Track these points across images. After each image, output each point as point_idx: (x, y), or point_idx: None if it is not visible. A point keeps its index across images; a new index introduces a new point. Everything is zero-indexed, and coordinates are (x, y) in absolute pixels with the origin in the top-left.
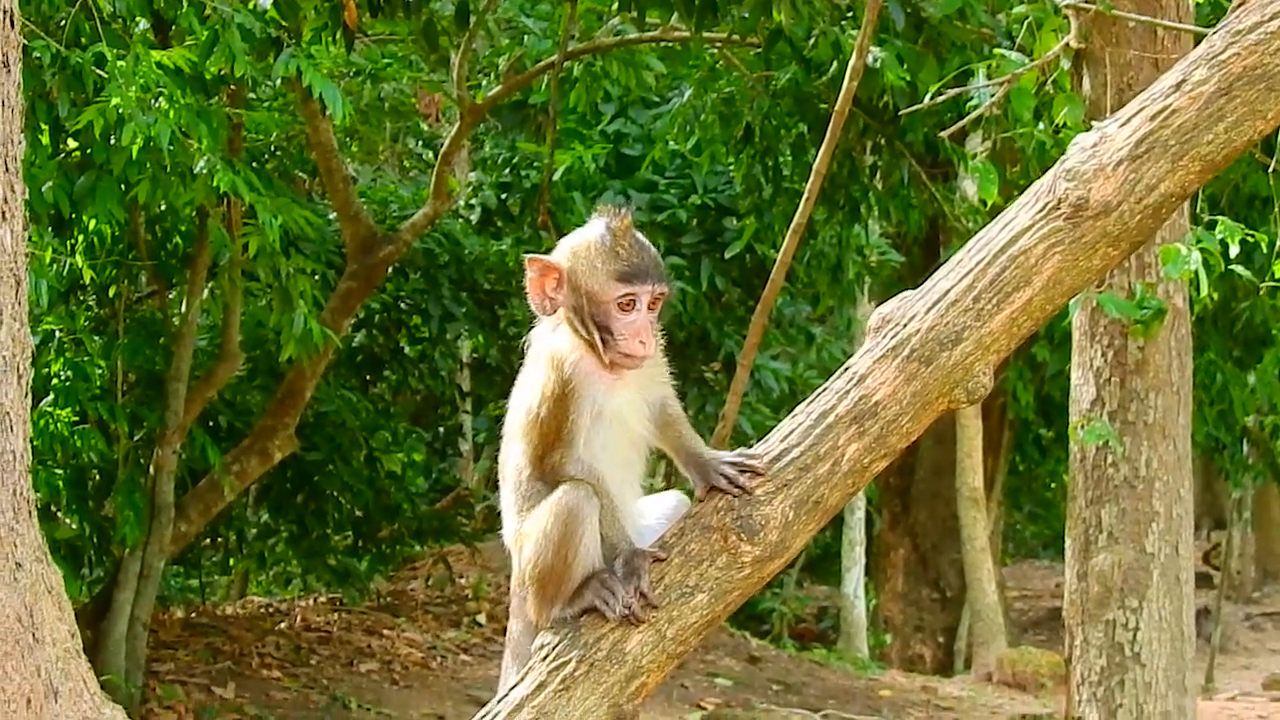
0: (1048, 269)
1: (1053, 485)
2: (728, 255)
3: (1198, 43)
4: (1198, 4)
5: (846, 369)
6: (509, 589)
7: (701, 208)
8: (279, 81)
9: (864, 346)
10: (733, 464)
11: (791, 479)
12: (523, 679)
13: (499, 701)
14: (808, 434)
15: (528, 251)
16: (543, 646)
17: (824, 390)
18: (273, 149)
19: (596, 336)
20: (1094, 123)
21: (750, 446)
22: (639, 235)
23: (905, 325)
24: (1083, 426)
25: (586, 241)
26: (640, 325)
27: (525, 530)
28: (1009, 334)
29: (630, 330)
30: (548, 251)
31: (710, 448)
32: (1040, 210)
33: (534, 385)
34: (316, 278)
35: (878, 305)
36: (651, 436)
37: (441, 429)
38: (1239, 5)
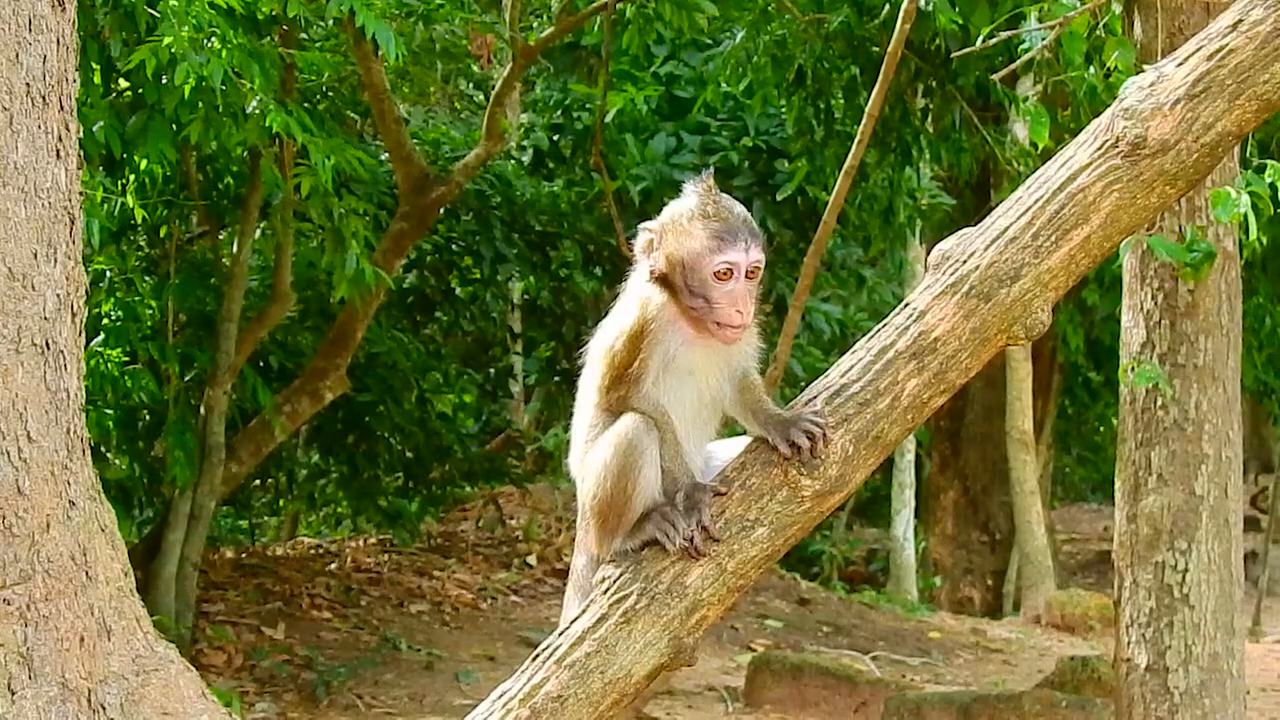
0: (1106, 206)
1: (1101, 429)
2: (779, 197)
3: None
4: None
5: (906, 305)
6: (559, 530)
7: (753, 150)
8: (331, 22)
9: (923, 282)
10: (813, 425)
11: (851, 414)
12: (584, 611)
13: (560, 634)
14: (867, 369)
15: (580, 192)
16: (604, 580)
17: (884, 326)
18: (325, 90)
19: (696, 303)
20: (1145, 66)
21: (802, 390)
22: (732, 201)
23: (964, 262)
24: (1133, 369)
25: (679, 209)
26: (739, 294)
27: (588, 461)
28: (1067, 271)
29: (728, 299)
30: (599, 194)
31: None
32: (1098, 148)
33: (617, 320)
34: (368, 218)
35: (928, 248)
36: (725, 398)
37: (492, 371)
38: None
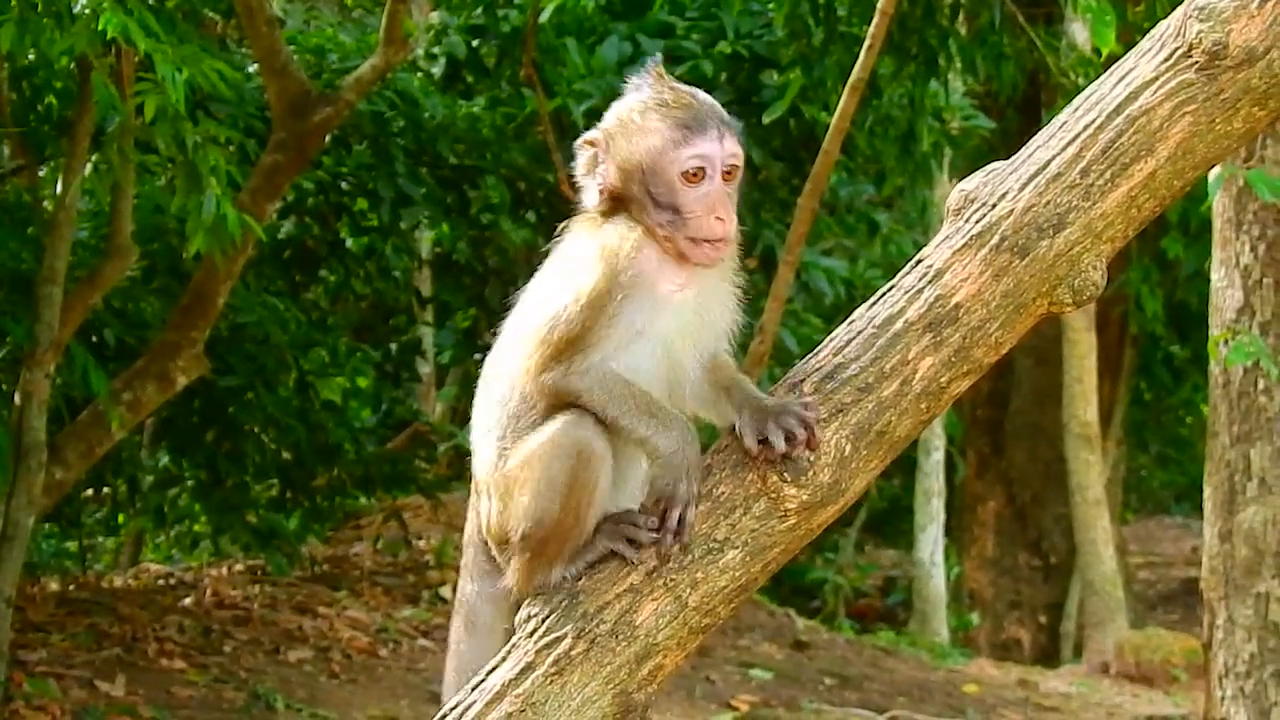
0: (1175, 133)
1: (1189, 420)
2: (766, 120)
3: None
4: None
5: (919, 261)
6: None
7: (732, 58)
8: None
9: (941, 232)
10: (798, 419)
11: (848, 402)
12: (504, 660)
13: (474, 690)
14: (869, 345)
15: (507, 115)
16: (530, 618)
17: (890, 289)
18: None
19: (661, 218)
20: None
21: (795, 365)
22: (693, 89)
23: (994, 206)
24: (1226, 341)
25: (627, 104)
26: (715, 197)
27: (512, 471)
28: (1127, 218)
29: (703, 205)
30: (532, 116)
31: (745, 372)
32: (1167, 59)
33: (566, 282)
34: (232, 149)
35: (959, 183)
36: (696, 372)
37: (394, 346)
38: None
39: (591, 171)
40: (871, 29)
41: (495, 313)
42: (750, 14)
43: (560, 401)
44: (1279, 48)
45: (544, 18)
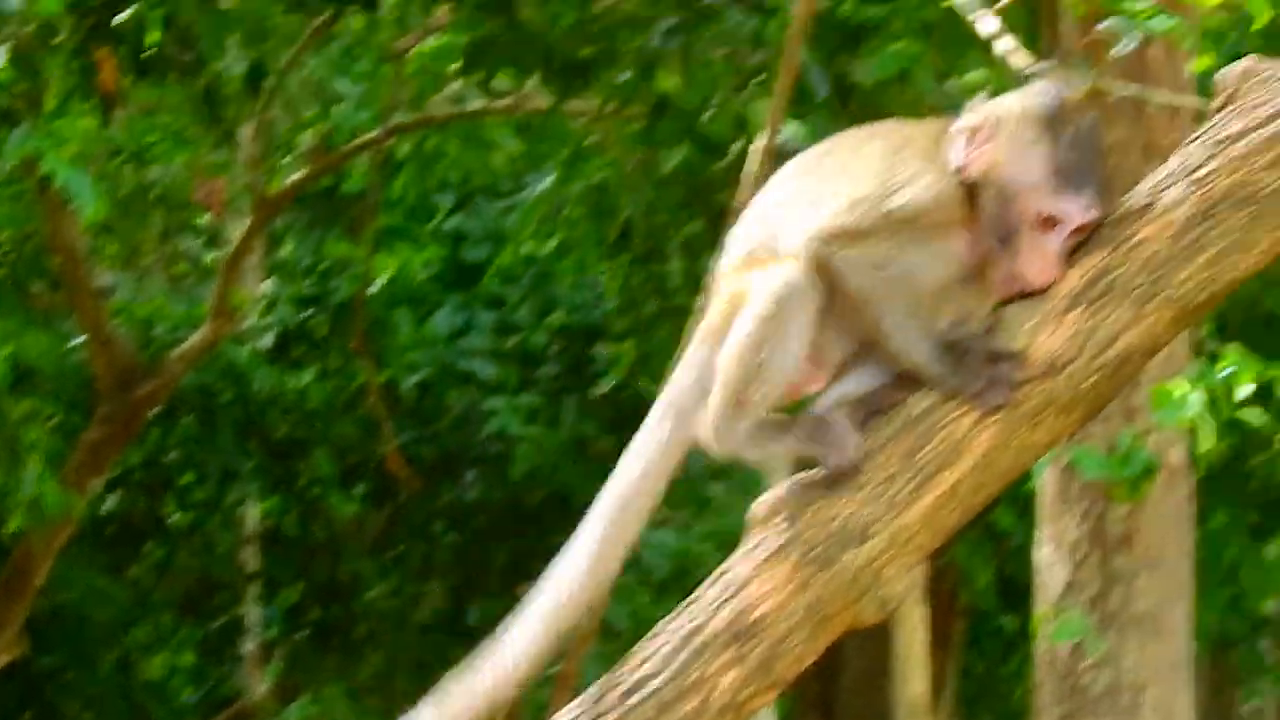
0: (979, 444)
1: (1020, 693)
2: (597, 392)
3: (1198, 122)
4: (1198, 73)
5: (722, 573)
6: None
7: (564, 329)
8: (10, 165)
9: (744, 544)
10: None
11: (650, 718)
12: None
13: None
14: (671, 659)
15: (337, 386)
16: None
17: (693, 601)
18: (2, 251)
19: (989, 239)
20: None
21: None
22: (1098, 134)
23: (798, 517)
24: (1052, 619)
25: (1030, 114)
26: (1051, 253)
27: (749, 284)
28: (931, 529)
29: (1036, 254)
30: (362, 389)
31: (567, 653)
32: None
33: (895, 173)
34: (54, 423)
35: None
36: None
37: (219, 622)
38: (1221, 107)
39: (968, 141)
40: (700, 301)
41: (324, 587)
42: (582, 284)
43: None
44: (1081, 358)
45: (375, 289)
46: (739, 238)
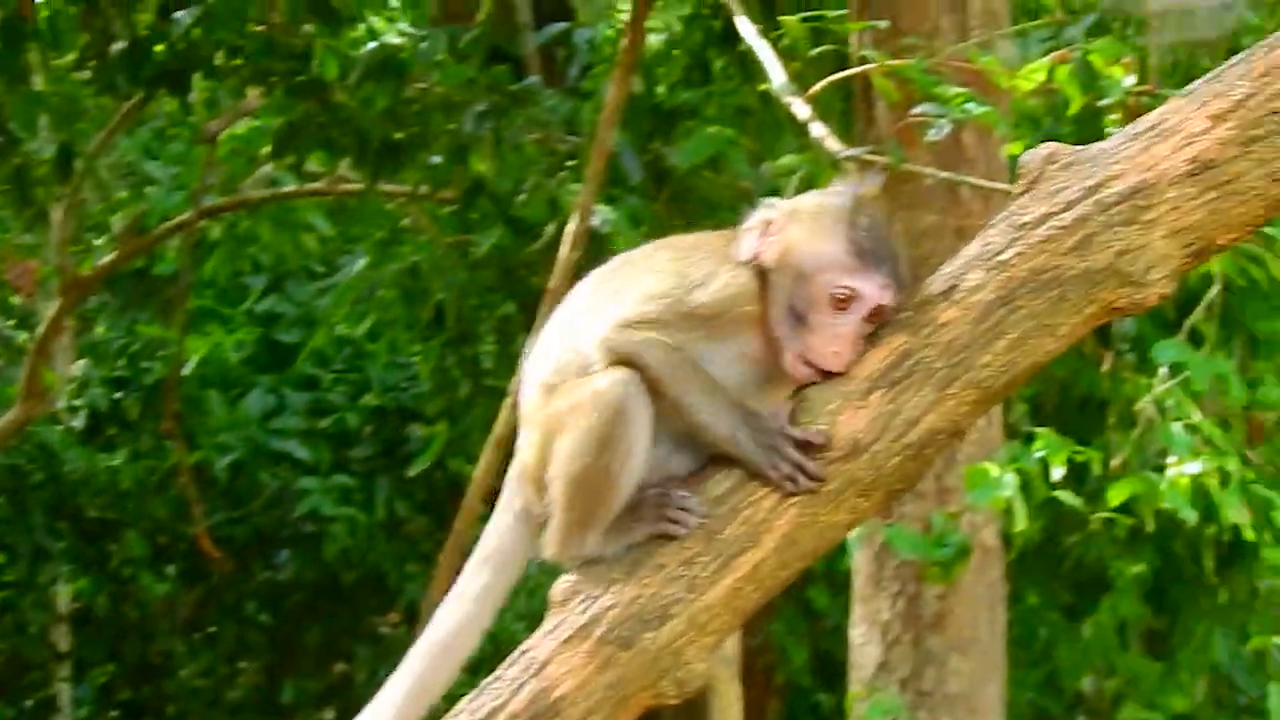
0: (781, 525)
1: None
2: (411, 473)
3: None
4: (1011, 157)
5: (523, 653)
6: None
7: (378, 411)
8: None
9: (545, 624)
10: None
11: None
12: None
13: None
14: None
15: (148, 467)
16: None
17: (494, 681)
18: None
19: (785, 322)
20: None
21: None
22: (890, 227)
23: (599, 597)
24: (866, 698)
25: (824, 203)
26: (846, 333)
27: (558, 414)
28: (732, 609)
29: (831, 334)
30: (173, 470)
31: None
32: None
33: (686, 272)
34: None
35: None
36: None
37: (29, 703)
38: (1024, 191)
39: (762, 233)
40: (513, 383)
41: (135, 666)
42: (396, 366)
43: (622, 363)
44: (883, 440)
45: (187, 370)
46: (539, 357)
